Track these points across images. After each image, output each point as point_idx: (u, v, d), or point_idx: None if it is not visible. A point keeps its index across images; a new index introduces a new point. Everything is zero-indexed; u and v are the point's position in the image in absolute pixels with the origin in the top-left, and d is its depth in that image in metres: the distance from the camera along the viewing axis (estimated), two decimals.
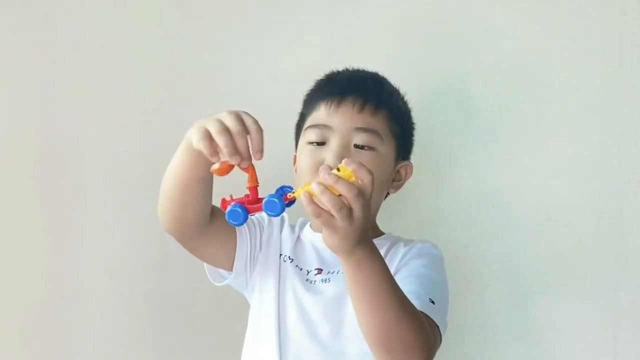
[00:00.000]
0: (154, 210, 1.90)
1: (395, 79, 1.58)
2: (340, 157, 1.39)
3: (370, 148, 1.45)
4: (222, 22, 1.91)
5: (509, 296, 1.73)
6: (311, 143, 1.47)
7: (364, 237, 1.19)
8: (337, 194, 1.15)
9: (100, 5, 1.97)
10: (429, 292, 1.35)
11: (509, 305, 1.73)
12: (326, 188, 1.14)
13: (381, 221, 1.58)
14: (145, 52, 1.95)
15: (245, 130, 1.21)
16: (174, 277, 1.92)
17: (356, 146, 1.45)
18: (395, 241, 1.52)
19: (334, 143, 1.45)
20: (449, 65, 1.77)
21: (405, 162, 1.55)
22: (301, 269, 1.50)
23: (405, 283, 1.35)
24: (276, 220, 1.56)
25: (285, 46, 1.86)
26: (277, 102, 1.77)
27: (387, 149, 1.48)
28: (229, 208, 1.22)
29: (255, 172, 1.24)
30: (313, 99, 1.53)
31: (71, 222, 1.99)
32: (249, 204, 1.23)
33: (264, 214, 1.36)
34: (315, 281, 1.48)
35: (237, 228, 1.48)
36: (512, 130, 1.73)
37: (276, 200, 1.20)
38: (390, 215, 1.62)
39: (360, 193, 1.15)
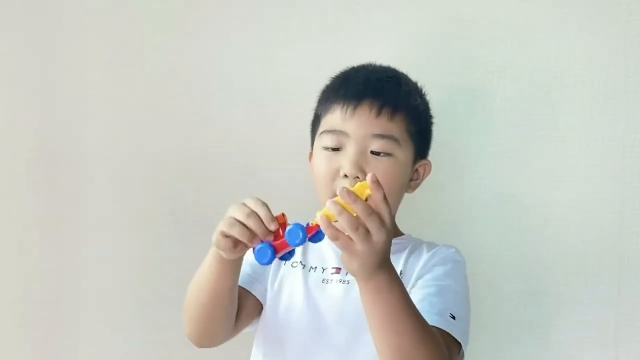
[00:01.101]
0: (154, 206, 1.91)
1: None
2: (357, 165, 1.39)
3: (388, 154, 1.43)
4: (228, 18, 1.89)
5: (512, 296, 1.73)
6: (327, 149, 1.44)
7: (383, 261, 1.17)
8: (355, 214, 1.13)
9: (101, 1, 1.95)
10: (450, 307, 1.35)
11: (512, 306, 1.72)
12: (344, 208, 1.12)
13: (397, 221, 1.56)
14: (148, 48, 1.93)
15: (254, 212, 1.20)
16: (174, 274, 1.89)
17: (373, 153, 1.42)
18: (417, 244, 1.50)
19: (350, 150, 1.42)
20: (458, 66, 1.76)
21: (424, 161, 1.53)
22: (315, 269, 1.47)
23: (427, 294, 1.35)
24: None
25: (295, 43, 1.85)
26: (288, 100, 1.76)
27: (405, 153, 1.45)
28: (257, 246, 1.20)
29: (285, 220, 1.22)
30: (329, 100, 1.49)
31: (70, 218, 1.96)
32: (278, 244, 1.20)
33: None
34: (331, 280, 1.45)
35: (249, 288, 1.46)
36: (520, 131, 1.73)
37: (299, 231, 1.17)
38: (403, 215, 1.59)
39: (376, 214, 1.13)
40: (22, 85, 1.98)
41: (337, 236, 1.13)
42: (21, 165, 1.99)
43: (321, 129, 1.47)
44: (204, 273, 1.34)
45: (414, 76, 1.56)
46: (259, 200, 1.23)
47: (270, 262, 1.20)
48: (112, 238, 1.95)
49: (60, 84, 1.96)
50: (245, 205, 1.23)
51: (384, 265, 1.17)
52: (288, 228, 1.18)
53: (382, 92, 1.44)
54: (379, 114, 1.42)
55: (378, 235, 1.13)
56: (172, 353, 1.90)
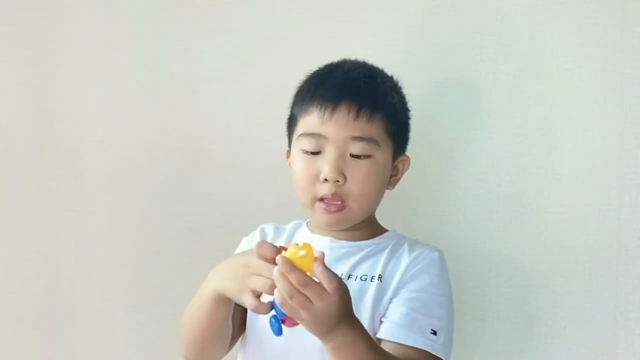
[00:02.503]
0: (153, 201, 1.91)
1: (397, 73, 1.55)
2: (337, 169, 1.40)
3: (367, 156, 1.43)
4: (220, 15, 1.88)
5: (508, 290, 1.71)
6: (306, 152, 1.44)
7: (336, 323, 1.21)
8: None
9: None
10: (432, 322, 1.37)
11: (508, 300, 1.71)
12: (284, 276, 1.18)
13: (382, 218, 1.56)
14: (143, 45, 1.92)
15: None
16: (174, 269, 1.90)
17: (352, 155, 1.42)
18: (398, 242, 1.50)
19: (329, 153, 1.42)
20: (451, 59, 1.74)
21: (403, 157, 1.53)
22: None
23: (411, 308, 1.37)
24: (255, 239, 1.54)
25: (283, 39, 1.84)
26: (275, 96, 1.73)
27: (384, 153, 1.45)
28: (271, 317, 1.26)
29: None
30: (305, 101, 1.47)
31: (70, 214, 1.96)
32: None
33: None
34: None
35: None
36: (514, 127, 1.71)
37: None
38: (390, 211, 1.60)
39: (313, 285, 1.18)
40: (18, 80, 1.98)
41: (282, 301, 1.19)
42: (18, 161, 1.98)
43: (298, 130, 1.47)
44: (199, 307, 1.39)
45: (406, 70, 1.55)
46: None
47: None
48: (110, 235, 1.94)
49: (56, 79, 1.96)
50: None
51: (340, 324, 1.22)
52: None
53: (359, 93, 1.43)
54: (357, 115, 1.41)
55: (320, 303, 1.18)
56: (173, 347, 1.90)
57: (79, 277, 1.96)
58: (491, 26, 1.72)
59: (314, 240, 1.49)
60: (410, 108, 1.55)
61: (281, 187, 1.73)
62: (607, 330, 1.67)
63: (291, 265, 1.18)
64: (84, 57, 1.95)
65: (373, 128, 1.42)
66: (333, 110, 1.41)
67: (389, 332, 1.37)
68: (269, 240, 1.52)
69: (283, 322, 1.24)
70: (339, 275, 1.30)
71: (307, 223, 1.57)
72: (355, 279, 1.43)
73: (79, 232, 1.96)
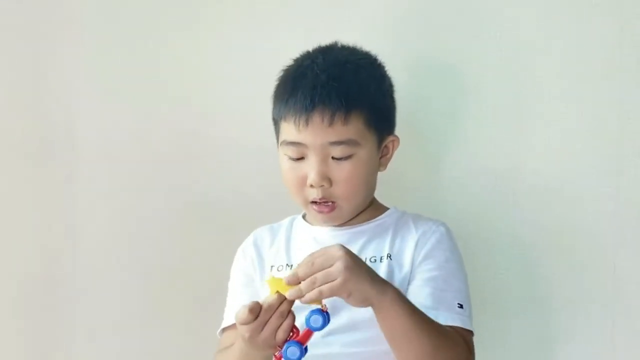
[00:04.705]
0: (149, 186, 1.90)
1: (388, 55, 1.54)
2: (321, 174, 1.42)
3: (349, 156, 1.43)
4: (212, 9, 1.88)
5: (508, 271, 1.71)
6: (290, 158, 1.45)
7: (364, 274, 1.27)
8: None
9: None
10: (457, 296, 1.41)
11: (507, 280, 1.71)
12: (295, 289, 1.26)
13: (381, 199, 1.57)
14: (138, 37, 1.92)
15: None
16: (170, 252, 1.90)
17: (334, 158, 1.42)
18: (401, 219, 1.51)
19: (312, 160, 1.43)
20: (445, 39, 1.73)
21: (391, 138, 1.52)
22: None
23: (435, 288, 1.40)
24: (250, 252, 1.56)
25: (271, 23, 1.83)
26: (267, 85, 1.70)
27: (367, 148, 1.45)
28: (284, 349, 1.28)
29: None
30: (281, 108, 1.47)
31: (66, 197, 1.95)
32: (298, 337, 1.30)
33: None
34: None
35: None
36: (510, 104, 1.70)
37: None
38: (389, 192, 1.60)
39: (312, 259, 1.26)
40: (13, 75, 1.97)
41: (315, 294, 1.25)
42: (13, 144, 1.97)
43: (281, 136, 1.48)
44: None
45: (391, 51, 1.54)
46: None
47: (302, 356, 1.29)
48: (108, 213, 1.94)
49: (51, 74, 1.95)
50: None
51: (375, 281, 1.28)
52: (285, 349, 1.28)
53: (331, 99, 1.41)
54: (331, 121, 1.41)
55: (333, 261, 1.25)
56: (171, 328, 1.91)
57: (75, 259, 1.95)
58: (482, 3, 1.71)
59: (313, 232, 1.52)
60: (393, 84, 1.54)
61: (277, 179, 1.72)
62: (606, 308, 1.66)
63: (294, 277, 1.26)
64: (79, 49, 1.94)
65: (350, 129, 1.42)
66: (307, 120, 1.41)
67: None
68: (265, 246, 1.55)
69: (300, 342, 1.29)
70: None
71: (303, 216, 1.57)
72: (365, 261, 1.42)
73: (75, 212, 1.95)
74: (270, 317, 1.27)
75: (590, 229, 1.66)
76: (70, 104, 1.94)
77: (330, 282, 1.23)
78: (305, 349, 1.29)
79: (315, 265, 1.25)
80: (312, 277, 1.24)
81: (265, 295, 1.31)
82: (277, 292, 1.27)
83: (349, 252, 1.27)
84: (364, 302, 1.28)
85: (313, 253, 1.28)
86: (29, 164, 1.97)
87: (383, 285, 1.29)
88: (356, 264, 1.26)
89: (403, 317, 1.29)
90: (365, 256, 1.45)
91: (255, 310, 1.27)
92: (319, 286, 1.23)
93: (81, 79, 1.94)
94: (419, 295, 1.39)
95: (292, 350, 1.27)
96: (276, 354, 1.31)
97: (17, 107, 1.96)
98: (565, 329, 1.69)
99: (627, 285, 1.65)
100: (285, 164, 1.47)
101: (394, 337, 1.32)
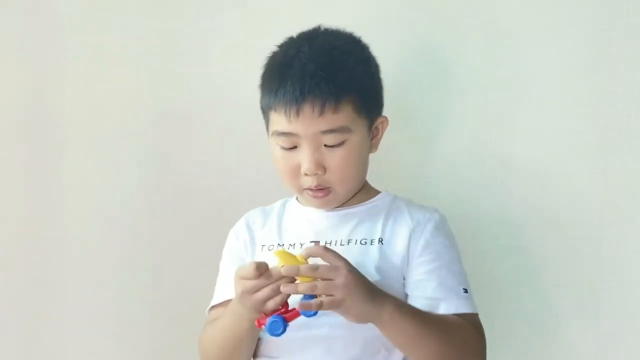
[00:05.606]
0: (139, 161, 1.90)
1: (375, 38, 1.54)
2: (314, 162, 1.43)
3: (341, 143, 1.44)
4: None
5: (495, 253, 1.73)
6: (283, 148, 1.46)
7: (366, 292, 1.30)
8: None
9: None
10: (460, 281, 1.45)
11: (497, 261, 1.73)
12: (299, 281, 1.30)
13: (372, 182, 1.58)
14: (124, 21, 1.92)
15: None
16: (161, 227, 1.90)
17: (327, 145, 1.44)
18: (393, 203, 1.53)
19: (305, 149, 1.44)
20: (435, 23, 1.74)
21: (380, 119, 1.53)
22: (294, 245, 1.48)
23: (440, 277, 1.43)
24: (242, 233, 1.57)
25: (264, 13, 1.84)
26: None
27: (358, 133, 1.46)
28: (268, 320, 1.32)
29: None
30: (270, 98, 1.46)
31: (53, 172, 1.95)
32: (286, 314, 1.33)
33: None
34: None
35: None
36: (500, 87, 1.72)
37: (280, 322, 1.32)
38: (381, 174, 1.61)
39: (318, 266, 1.29)
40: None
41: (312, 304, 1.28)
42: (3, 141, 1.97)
43: (271, 126, 1.48)
44: (224, 331, 1.43)
45: (378, 33, 1.55)
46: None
47: (283, 333, 1.32)
48: (98, 185, 1.93)
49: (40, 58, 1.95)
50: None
51: (375, 296, 1.32)
52: (269, 321, 1.32)
53: (320, 89, 1.41)
54: (321, 111, 1.41)
55: (337, 275, 1.29)
56: (165, 309, 1.91)
57: (64, 262, 1.94)
58: None
59: (306, 213, 1.53)
60: (379, 65, 1.55)
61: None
62: (591, 288, 1.69)
63: (294, 265, 1.29)
64: (70, 32, 1.94)
65: (341, 116, 1.43)
66: (298, 111, 1.41)
67: (429, 308, 1.41)
68: (257, 228, 1.56)
69: (286, 319, 1.31)
70: (339, 242, 1.45)
71: (296, 198, 1.58)
72: (355, 243, 1.47)
73: (62, 186, 1.94)
74: (269, 284, 1.30)
75: (577, 210, 1.69)
76: (61, 81, 1.94)
77: (329, 295, 1.28)
78: (286, 327, 1.32)
79: (319, 271, 1.29)
80: (313, 283, 1.28)
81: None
82: (284, 266, 1.30)
83: (352, 270, 1.31)
84: (360, 320, 1.33)
85: (324, 249, 1.33)
86: (20, 150, 1.96)
87: (381, 300, 1.33)
88: (356, 284, 1.30)
89: (404, 326, 1.34)
90: (356, 237, 1.47)
91: (261, 270, 1.30)
92: (319, 294, 1.28)
93: (69, 60, 1.94)
94: (425, 289, 1.42)
95: (276, 325, 1.31)
96: (259, 318, 1.33)
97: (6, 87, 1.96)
98: (552, 307, 1.71)
99: (614, 262, 1.68)
100: (278, 153, 1.47)
101: (400, 344, 1.38)
